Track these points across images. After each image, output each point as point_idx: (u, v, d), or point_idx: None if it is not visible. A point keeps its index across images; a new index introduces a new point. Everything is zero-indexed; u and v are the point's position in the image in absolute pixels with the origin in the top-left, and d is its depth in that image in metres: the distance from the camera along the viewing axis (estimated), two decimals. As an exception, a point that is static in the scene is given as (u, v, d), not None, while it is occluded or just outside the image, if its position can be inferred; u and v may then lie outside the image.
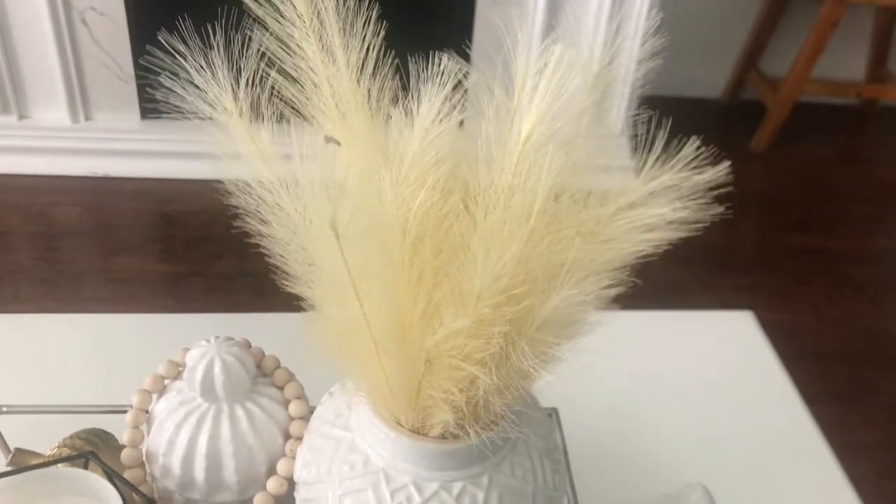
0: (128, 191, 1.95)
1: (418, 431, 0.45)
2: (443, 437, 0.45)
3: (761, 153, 2.36)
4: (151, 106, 1.91)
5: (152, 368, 0.56)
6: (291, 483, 0.53)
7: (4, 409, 0.64)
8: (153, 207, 1.91)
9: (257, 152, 0.39)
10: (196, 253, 1.76)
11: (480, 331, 0.38)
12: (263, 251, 0.42)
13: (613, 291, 0.39)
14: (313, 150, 0.37)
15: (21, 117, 1.96)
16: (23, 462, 0.60)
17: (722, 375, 0.85)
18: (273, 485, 0.53)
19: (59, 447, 0.60)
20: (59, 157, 1.95)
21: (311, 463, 0.48)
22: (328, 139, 0.35)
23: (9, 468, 0.59)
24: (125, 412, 0.63)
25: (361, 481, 0.45)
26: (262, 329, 0.60)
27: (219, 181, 0.40)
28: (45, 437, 0.63)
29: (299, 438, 0.54)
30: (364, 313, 0.40)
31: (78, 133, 1.96)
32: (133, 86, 1.94)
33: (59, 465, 0.52)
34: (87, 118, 1.98)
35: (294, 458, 0.53)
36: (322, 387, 0.54)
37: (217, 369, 0.52)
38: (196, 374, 0.53)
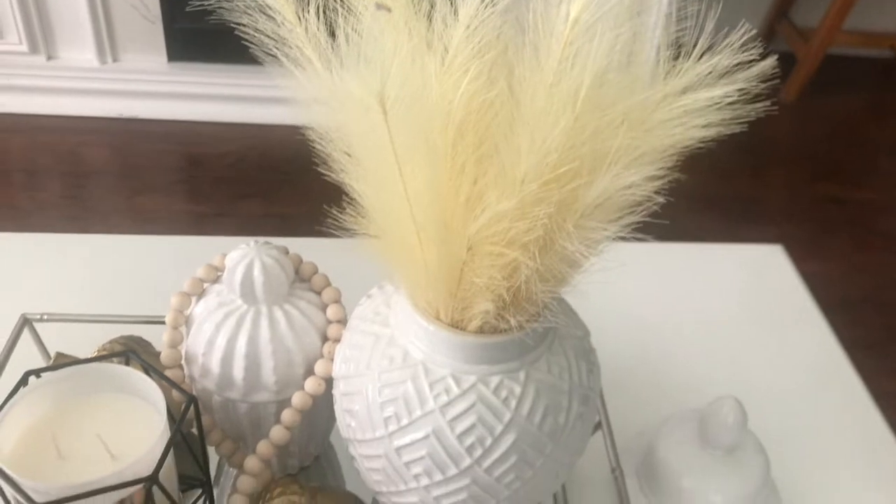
0: (155, 132, 1.95)
1: (457, 326, 0.46)
2: (481, 331, 0.45)
3: (791, 104, 2.33)
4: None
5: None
6: (328, 384, 0.54)
7: (45, 317, 0.65)
8: (180, 149, 1.92)
9: (303, 35, 0.39)
10: (222, 194, 1.77)
11: (525, 213, 0.38)
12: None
13: (660, 181, 0.39)
14: (360, 30, 0.37)
15: (49, 58, 1.97)
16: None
17: (751, 305, 0.84)
18: (311, 384, 0.54)
19: (98, 351, 0.61)
20: (87, 98, 1.96)
21: (351, 358, 0.49)
22: (379, 5, 0.35)
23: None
24: (162, 322, 0.64)
25: (401, 374, 0.46)
26: (297, 250, 0.61)
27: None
28: (83, 345, 0.64)
29: (336, 340, 0.55)
30: (408, 198, 0.40)
31: (105, 74, 1.96)
32: (160, 27, 1.93)
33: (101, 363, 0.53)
34: (115, 59, 1.99)
35: (332, 359, 0.54)
36: (357, 295, 0.55)
37: (257, 271, 0.53)
38: (236, 275, 0.53)
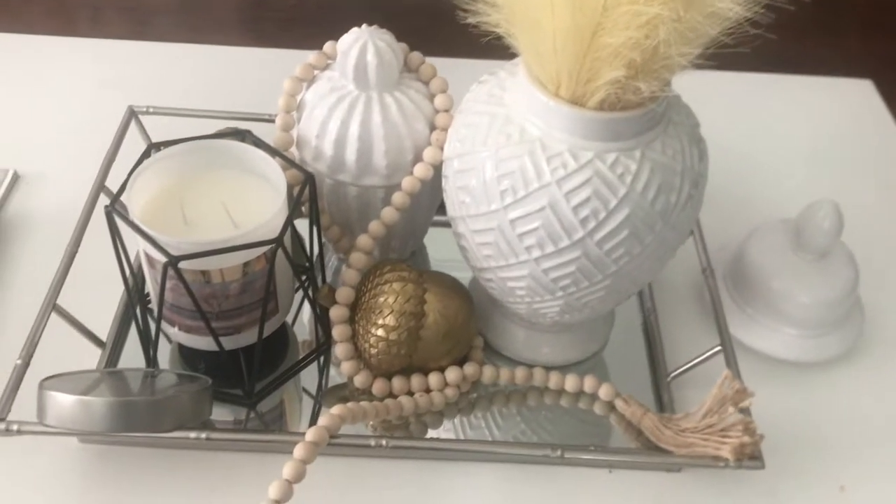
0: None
1: (577, 102, 0.46)
2: (601, 108, 0.46)
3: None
4: None
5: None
6: (435, 171, 0.56)
7: (151, 109, 0.67)
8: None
9: None
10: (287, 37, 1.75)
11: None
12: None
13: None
14: None
15: None
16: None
17: (838, 136, 0.84)
18: (420, 169, 0.55)
19: (207, 142, 0.63)
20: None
21: (467, 137, 0.50)
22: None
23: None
24: (267, 120, 0.65)
25: (518, 149, 0.47)
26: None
27: None
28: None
29: (444, 129, 0.56)
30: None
31: None
32: None
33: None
34: None
35: (440, 147, 0.55)
36: (462, 90, 0.55)
37: (370, 54, 0.54)
38: (349, 58, 0.54)
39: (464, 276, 0.59)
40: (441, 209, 0.56)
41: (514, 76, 0.50)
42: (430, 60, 0.58)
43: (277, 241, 0.49)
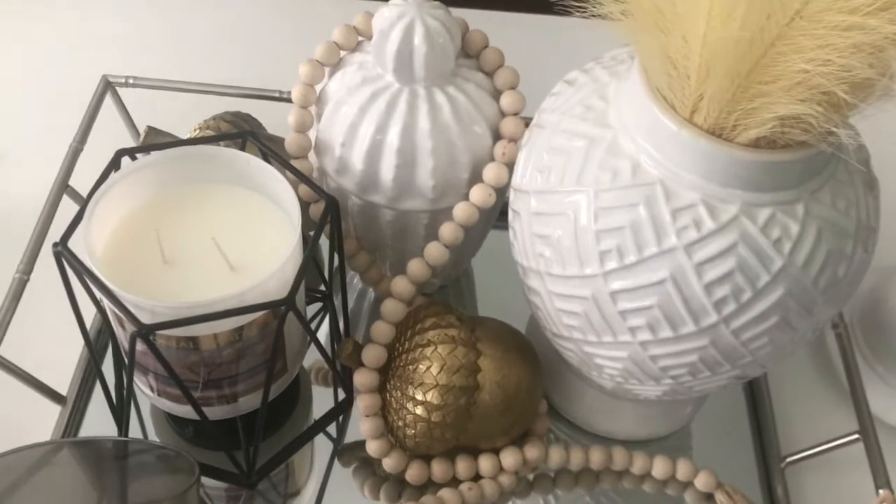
0: None
1: (717, 133, 0.32)
2: (756, 144, 0.32)
3: None
4: None
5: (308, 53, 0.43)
6: (499, 195, 0.42)
7: (130, 80, 0.53)
8: None
9: None
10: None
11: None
12: None
13: None
14: None
15: None
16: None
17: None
18: (479, 194, 0.41)
19: (197, 129, 0.50)
20: None
21: (552, 167, 0.36)
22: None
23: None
24: (276, 98, 0.51)
25: (629, 194, 0.33)
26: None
27: None
28: (177, 120, 0.52)
29: (513, 139, 0.42)
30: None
31: None
32: None
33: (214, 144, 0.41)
34: None
35: (505, 163, 0.42)
36: (538, 83, 0.41)
37: (418, 37, 0.39)
38: (389, 41, 0.40)
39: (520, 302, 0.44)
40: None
41: (621, 80, 0.36)
42: (458, 13, 0.42)
43: (289, 302, 0.36)
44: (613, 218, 0.33)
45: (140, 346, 0.36)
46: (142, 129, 0.51)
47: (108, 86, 0.52)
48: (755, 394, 0.49)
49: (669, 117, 0.32)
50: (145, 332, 0.34)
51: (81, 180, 0.48)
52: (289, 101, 0.53)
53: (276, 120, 0.51)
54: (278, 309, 0.37)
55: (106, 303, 0.37)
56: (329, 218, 0.39)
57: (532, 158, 0.37)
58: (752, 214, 0.32)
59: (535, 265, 0.37)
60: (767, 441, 0.47)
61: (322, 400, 0.47)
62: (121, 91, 0.53)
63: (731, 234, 0.32)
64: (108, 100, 0.53)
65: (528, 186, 0.37)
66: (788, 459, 0.46)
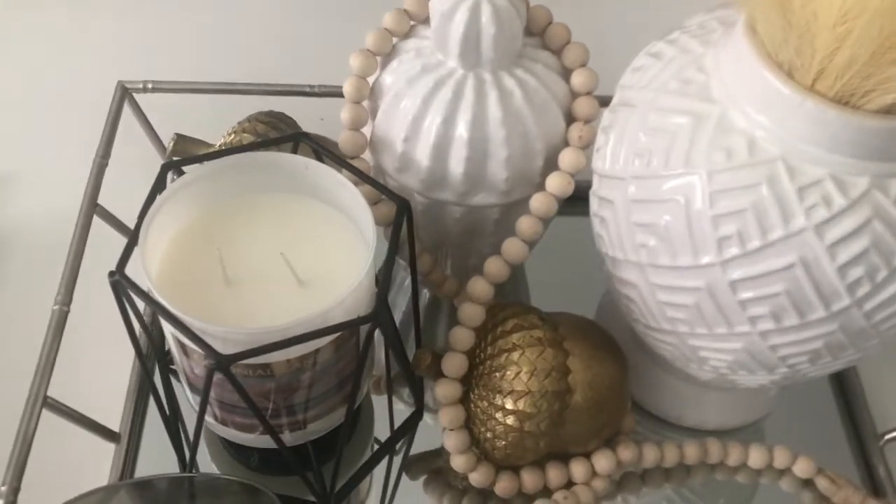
0: None
1: (844, 101, 0.29)
2: (889, 111, 0.29)
3: None
4: None
5: (350, 46, 0.40)
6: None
7: (150, 85, 0.49)
8: None
9: None
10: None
11: None
12: None
13: None
14: None
15: None
16: (188, 152, 0.46)
17: None
18: (556, 183, 0.38)
19: (233, 132, 0.46)
20: None
21: (651, 149, 0.33)
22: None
23: (173, 158, 0.45)
24: (309, 93, 0.48)
25: (748, 174, 0.30)
26: None
27: None
28: (198, 125, 0.48)
29: (587, 121, 0.39)
30: None
31: None
32: None
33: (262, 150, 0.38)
34: None
35: (582, 147, 0.39)
36: (605, 57, 0.38)
37: (486, 17, 0.36)
38: (454, 24, 0.36)
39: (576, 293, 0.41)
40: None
41: (719, 49, 0.33)
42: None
43: (376, 318, 0.33)
44: (732, 201, 0.31)
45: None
46: (165, 138, 0.48)
47: (125, 93, 0.49)
48: (840, 371, 0.47)
49: (790, 87, 0.30)
50: (225, 364, 0.31)
51: (108, 197, 0.44)
52: (320, 95, 0.50)
53: (307, 117, 0.48)
54: (368, 328, 0.33)
55: (171, 333, 0.33)
56: (402, 220, 0.36)
57: (625, 141, 0.34)
58: (885, 187, 0.30)
59: (635, 257, 0.35)
60: (861, 420, 0.45)
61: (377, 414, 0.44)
62: (138, 97, 0.49)
63: (863, 210, 0.30)
64: (127, 109, 0.49)
65: (623, 172, 0.34)
66: (887, 437, 0.44)
